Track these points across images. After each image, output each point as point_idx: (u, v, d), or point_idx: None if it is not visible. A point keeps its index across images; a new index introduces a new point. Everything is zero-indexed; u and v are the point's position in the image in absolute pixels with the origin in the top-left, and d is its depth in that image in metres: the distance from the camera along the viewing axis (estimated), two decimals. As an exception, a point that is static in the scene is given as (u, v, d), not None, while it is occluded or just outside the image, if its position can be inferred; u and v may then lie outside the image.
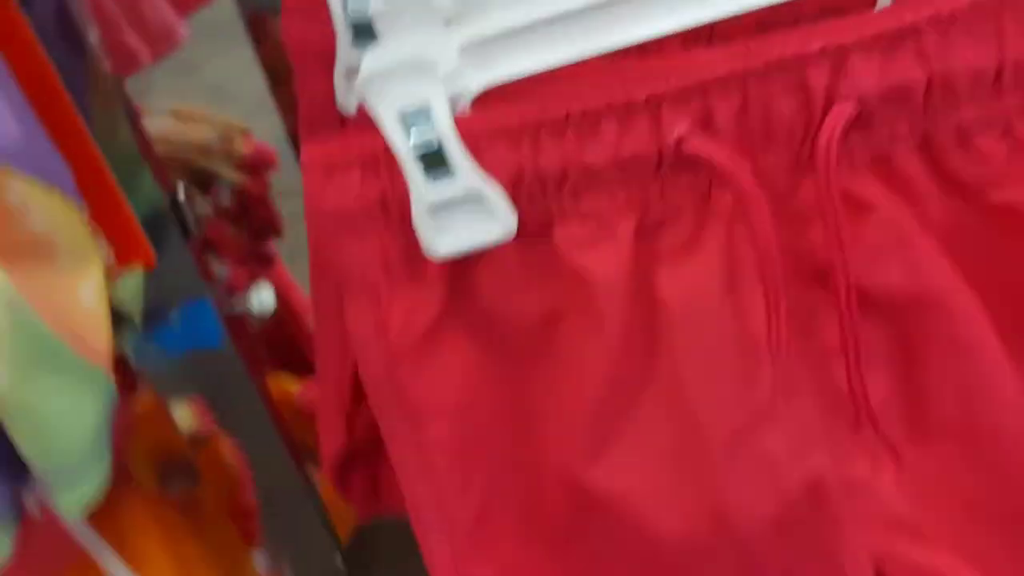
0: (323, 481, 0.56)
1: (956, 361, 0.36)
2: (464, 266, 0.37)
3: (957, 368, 0.36)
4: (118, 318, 0.39)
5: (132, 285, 0.40)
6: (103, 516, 0.48)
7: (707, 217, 0.35)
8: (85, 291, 0.35)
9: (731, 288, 0.35)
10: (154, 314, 0.45)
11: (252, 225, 0.84)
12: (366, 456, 0.50)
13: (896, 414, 0.38)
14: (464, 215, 0.35)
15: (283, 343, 0.92)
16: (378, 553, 0.72)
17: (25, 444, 0.35)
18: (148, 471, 0.54)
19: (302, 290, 0.91)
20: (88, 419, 0.36)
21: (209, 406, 0.51)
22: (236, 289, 0.65)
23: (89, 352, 0.36)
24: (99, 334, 0.36)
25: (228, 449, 0.57)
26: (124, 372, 0.46)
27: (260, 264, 0.82)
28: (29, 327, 0.33)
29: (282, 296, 0.82)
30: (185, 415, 0.53)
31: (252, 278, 0.78)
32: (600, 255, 0.36)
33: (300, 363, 0.87)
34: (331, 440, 0.50)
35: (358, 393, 0.48)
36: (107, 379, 0.37)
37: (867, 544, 0.38)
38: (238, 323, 0.48)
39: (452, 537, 0.41)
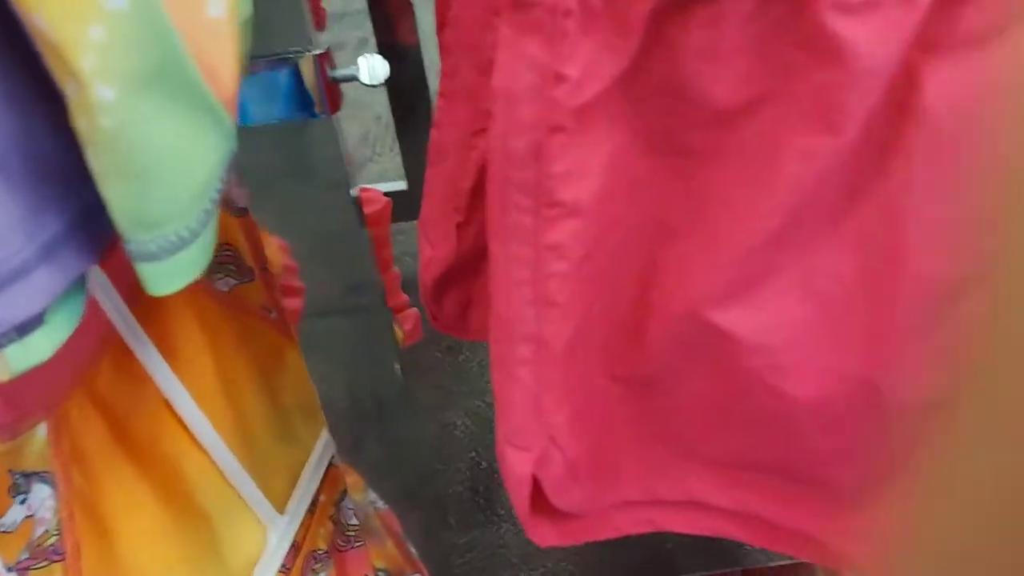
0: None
1: None
2: (674, 17, 0.29)
3: None
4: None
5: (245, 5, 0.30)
6: (145, 303, 0.40)
7: None
8: (212, -1, 0.26)
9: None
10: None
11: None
12: (464, 275, 0.43)
13: None
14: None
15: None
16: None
17: (122, 188, 0.26)
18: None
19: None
20: (202, 167, 0.28)
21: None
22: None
23: (214, 81, 0.27)
24: (227, 59, 0.27)
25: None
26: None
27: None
28: (156, 26, 0.24)
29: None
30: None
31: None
32: (871, 25, 0.28)
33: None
34: (437, 250, 0.42)
35: (476, 197, 0.40)
36: (230, 122, 0.28)
37: None
38: (336, 93, 0.38)
39: (540, 363, 0.35)
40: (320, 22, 0.42)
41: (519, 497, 0.39)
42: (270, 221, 0.42)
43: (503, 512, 0.74)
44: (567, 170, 0.31)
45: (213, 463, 0.44)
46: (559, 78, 0.29)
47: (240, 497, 0.46)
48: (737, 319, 0.33)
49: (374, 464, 0.62)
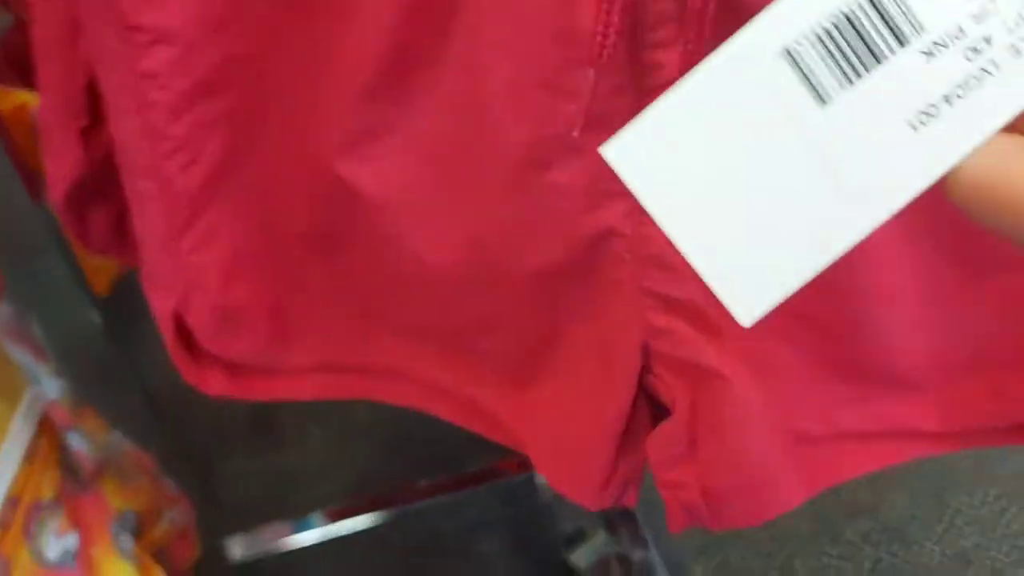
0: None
1: None
2: None
3: None
4: None
5: None
6: None
7: None
8: None
9: None
10: None
11: None
12: (109, 184, 0.39)
13: None
14: None
15: (22, 52, 0.75)
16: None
17: None
18: None
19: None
20: None
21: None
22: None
23: None
24: None
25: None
26: None
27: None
28: None
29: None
30: None
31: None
32: None
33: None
34: (59, 160, 0.38)
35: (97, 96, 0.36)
36: None
37: (640, 320, 0.33)
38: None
39: (169, 207, 0.35)
40: None
41: (168, 338, 0.39)
42: None
43: (283, 433, 0.72)
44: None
45: None
46: None
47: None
48: (360, 173, 0.33)
49: (117, 406, 0.59)
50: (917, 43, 0.20)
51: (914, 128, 0.20)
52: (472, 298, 0.35)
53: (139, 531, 0.56)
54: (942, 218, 0.28)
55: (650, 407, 0.36)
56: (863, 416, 0.36)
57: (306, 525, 0.65)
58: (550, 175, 0.30)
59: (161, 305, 0.38)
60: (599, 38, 0.27)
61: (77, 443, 0.54)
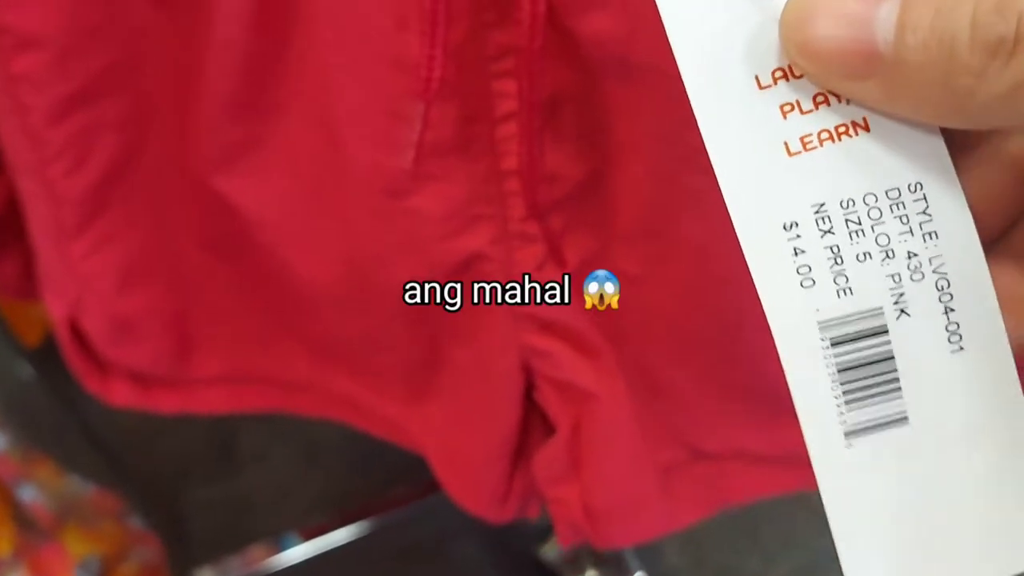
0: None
1: (666, 154, 0.29)
2: None
3: (663, 162, 0.29)
4: None
5: None
6: None
7: None
8: None
9: None
10: None
11: None
12: (14, 229, 0.38)
13: (581, 203, 0.31)
14: None
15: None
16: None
17: None
18: None
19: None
20: None
21: None
22: None
23: None
24: None
25: None
26: None
27: None
28: None
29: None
30: None
31: None
32: None
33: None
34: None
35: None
36: None
37: (516, 340, 0.33)
38: None
39: (56, 210, 0.34)
40: None
41: (64, 343, 0.38)
42: None
43: (246, 456, 0.71)
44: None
45: None
46: None
47: None
48: (234, 186, 0.32)
49: (65, 451, 0.57)
50: None
51: None
52: (354, 315, 0.35)
53: (105, 574, 0.55)
54: None
55: (543, 423, 0.36)
56: (764, 438, 0.36)
57: (281, 546, 0.65)
58: (406, 201, 0.30)
59: (55, 309, 0.37)
60: (424, 71, 0.27)
61: (30, 495, 0.53)
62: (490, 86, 0.28)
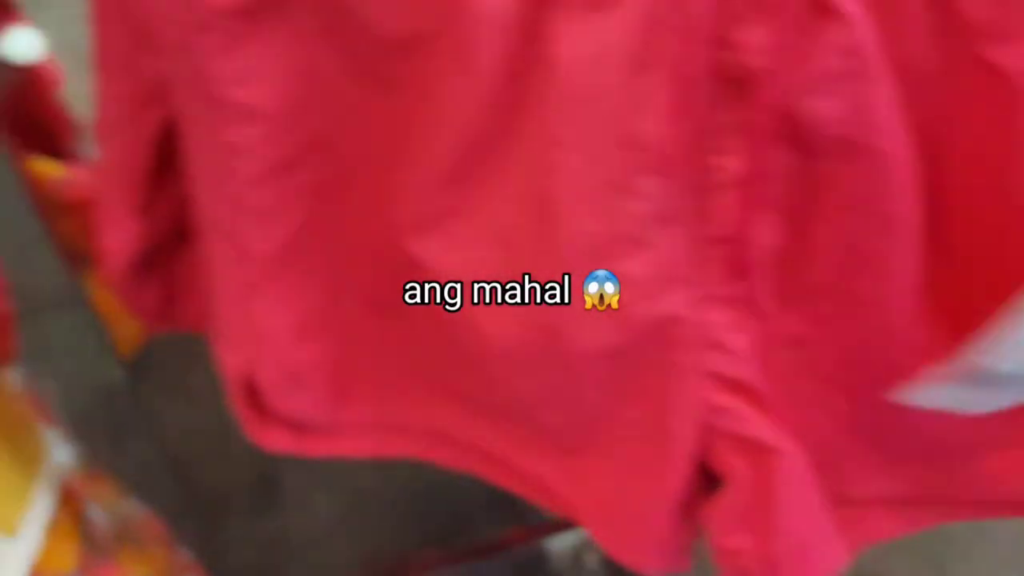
0: (102, 287, 0.45)
1: (861, 223, 0.31)
2: None
3: (857, 229, 0.31)
4: None
5: None
6: None
7: None
8: None
9: (637, 68, 0.29)
10: None
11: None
12: (164, 257, 0.40)
13: (775, 269, 0.33)
14: None
15: (28, 120, 0.75)
16: (165, 365, 0.62)
17: None
18: None
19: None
20: None
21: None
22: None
23: None
24: None
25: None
26: None
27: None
28: None
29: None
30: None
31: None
32: None
33: (50, 148, 0.72)
34: (117, 233, 0.39)
35: (157, 175, 0.37)
36: None
37: (698, 400, 0.35)
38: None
39: (243, 265, 0.36)
40: None
41: (236, 395, 0.40)
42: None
43: (287, 497, 0.72)
44: (234, 74, 0.32)
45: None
46: None
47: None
48: (430, 250, 0.34)
49: (134, 467, 0.58)
50: None
51: None
52: (529, 376, 0.36)
53: (155, 600, 0.55)
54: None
55: (701, 476, 0.37)
56: (903, 482, 0.38)
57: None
58: (614, 265, 0.32)
59: (232, 363, 0.39)
60: (656, 149, 0.30)
61: (95, 512, 0.53)
62: (710, 159, 0.30)
